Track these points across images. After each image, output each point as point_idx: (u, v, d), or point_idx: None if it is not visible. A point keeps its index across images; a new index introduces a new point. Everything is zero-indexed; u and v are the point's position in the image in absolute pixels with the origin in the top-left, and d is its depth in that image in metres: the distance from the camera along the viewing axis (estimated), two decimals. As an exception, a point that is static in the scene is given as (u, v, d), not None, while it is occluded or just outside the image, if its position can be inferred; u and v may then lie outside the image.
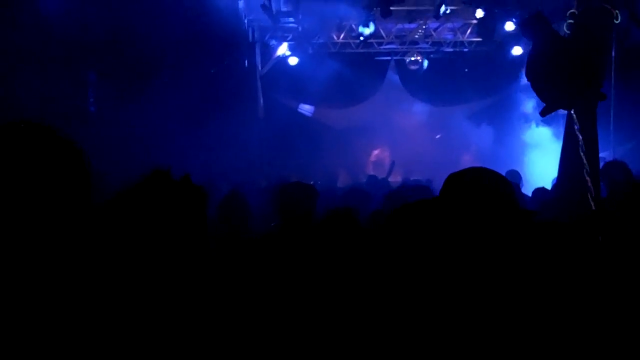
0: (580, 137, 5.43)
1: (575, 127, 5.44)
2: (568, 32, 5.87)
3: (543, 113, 6.02)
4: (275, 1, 10.49)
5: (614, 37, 7.10)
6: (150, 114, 7.48)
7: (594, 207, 5.29)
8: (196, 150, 7.69)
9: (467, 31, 12.23)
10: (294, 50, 12.08)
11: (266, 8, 10.07)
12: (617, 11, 5.90)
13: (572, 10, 5.82)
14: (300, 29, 11.46)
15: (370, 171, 12.19)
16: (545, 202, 5.92)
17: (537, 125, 11.94)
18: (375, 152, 13.65)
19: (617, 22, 5.90)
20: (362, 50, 12.50)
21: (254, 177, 8.53)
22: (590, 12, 5.73)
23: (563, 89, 5.62)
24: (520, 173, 7.97)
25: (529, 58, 6.34)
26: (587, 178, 5.56)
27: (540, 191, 6.65)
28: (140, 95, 7.56)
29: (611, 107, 9.90)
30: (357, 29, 11.54)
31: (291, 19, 11.23)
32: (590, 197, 5.41)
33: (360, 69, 12.90)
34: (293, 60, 12.15)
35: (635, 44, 8.70)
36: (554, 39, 5.89)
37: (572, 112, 5.56)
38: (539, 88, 5.86)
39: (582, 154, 5.72)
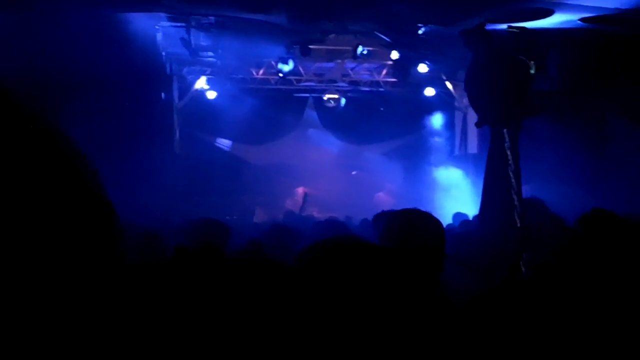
0: (510, 155, 5.63)
1: (506, 144, 5.63)
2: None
3: (478, 124, 6.24)
4: (195, 35, 10.43)
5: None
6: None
7: (519, 224, 5.46)
8: (108, 186, 7.45)
9: (382, 72, 12.62)
10: (212, 85, 12.05)
11: (185, 42, 10.01)
12: (532, 62, 6.28)
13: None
14: (219, 63, 11.45)
15: (288, 207, 12.22)
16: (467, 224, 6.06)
17: (448, 166, 12.39)
18: (299, 190, 13.70)
19: (532, 72, 6.27)
20: (281, 87, 12.62)
21: (168, 214, 8.34)
22: (506, 61, 6.07)
23: (498, 102, 5.84)
24: (432, 212, 8.18)
25: (469, 69, 6.57)
26: (514, 196, 5.77)
27: (460, 216, 6.80)
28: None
29: (518, 146, 10.39)
30: (277, 65, 11.66)
31: (210, 54, 11.20)
32: (516, 214, 5.60)
33: (279, 106, 13.01)
34: (211, 95, 12.11)
35: (538, 92, 9.21)
36: (493, 53, 6.11)
37: (504, 129, 5.76)
38: (476, 99, 6.06)
39: (510, 172, 5.95)
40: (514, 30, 6.17)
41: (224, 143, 13.21)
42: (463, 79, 11.85)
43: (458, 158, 12.73)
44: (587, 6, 7.87)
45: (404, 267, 2.09)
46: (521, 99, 5.90)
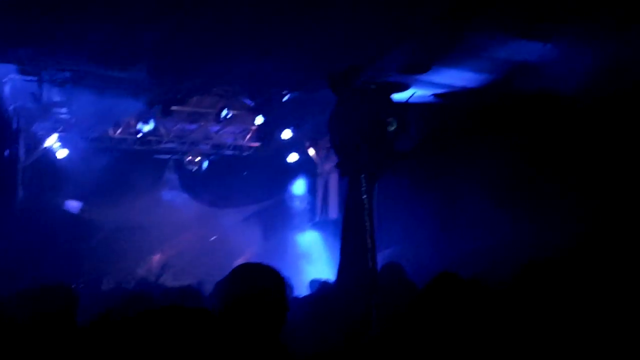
0: (367, 203, 5.67)
1: (363, 193, 5.67)
2: None
3: (342, 172, 6.24)
4: (47, 89, 9.82)
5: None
6: None
7: (371, 285, 5.45)
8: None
9: (246, 136, 12.60)
10: (64, 142, 11.34)
11: (35, 96, 9.38)
12: (391, 119, 6.53)
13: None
14: (73, 120, 10.84)
15: (142, 273, 11.58)
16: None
17: (309, 231, 12.48)
18: (155, 257, 13.06)
19: (391, 129, 6.52)
20: (140, 148, 12.16)
21: (8, 279, 7.53)
22: (367, 113, 6.27)
23: (361, 149, 5.92)
24: (292, 277, 8.12)
25: (332, 113, 6.61)
26: (370, 262, 5.79)
27: (316, 282, 6.77)
28: None
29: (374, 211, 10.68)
30: (136, 125, 11.26)
31: (64, 110, 10.59)
32: (372, 278, 5.59)
33: (137, 167, 12.50)
34: (62, 153, 11.38)
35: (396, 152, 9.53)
36: (356, 101, 6.21)
37: (362, 177, 5.81)
38: (339, 145, 6.08)
39: (367, 236, 5.97)
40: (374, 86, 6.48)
41: (73, 205, 12.37)
42: (326, 146, 12.13)
43: (319, 224, 12.87)
44: (438, 84, 8.42)
45: (232, 330, 1.98)
46: (379, 151, 6.07)
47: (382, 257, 9.98)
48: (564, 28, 6.34)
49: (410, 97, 7.14)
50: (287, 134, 11.24)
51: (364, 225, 6.02)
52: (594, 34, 6.27)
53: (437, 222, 9.49)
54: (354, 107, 6.17)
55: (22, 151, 10.99)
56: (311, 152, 13.00)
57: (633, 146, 7.04)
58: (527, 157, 8.27)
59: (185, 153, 12.76)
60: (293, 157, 12.49)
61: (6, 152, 10.21)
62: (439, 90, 8.74)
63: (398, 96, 8.98)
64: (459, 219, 9.34)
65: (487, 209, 8.59)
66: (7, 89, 9.69)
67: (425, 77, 8.08)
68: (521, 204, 8.30)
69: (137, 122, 11.25)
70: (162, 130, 12.00)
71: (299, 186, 13.47)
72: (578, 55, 6.70)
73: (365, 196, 5.89)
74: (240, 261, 12.47)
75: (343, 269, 6.24)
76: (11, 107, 10.00)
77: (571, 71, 6.84)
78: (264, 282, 2.51)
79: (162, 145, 12.48)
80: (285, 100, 9.97)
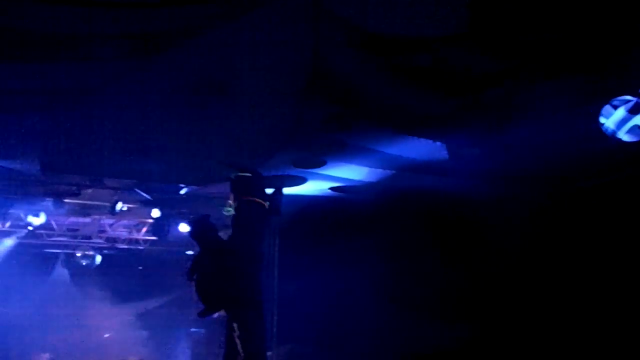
0: (239, 342, 5.60)
1: (235, 334, 5.60)
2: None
3: (201, 314, 6.13)
4: None
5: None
6: None
7: None
8: None
9: (142, 229, 12.31)
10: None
11: None
12: (267, 202, 6.71)
13: (229, 207, 6.38)
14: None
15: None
16: None
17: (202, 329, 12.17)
18: (44, 355, 12.17)
19: (267, 207, 6.69)
20: (28, 241, 11.60)
21: None
22: (245, 204, 6.40)
23: (223, 292, 5.87)
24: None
25: (195, 258, 6.57)
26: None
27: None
28: None
29: (275, 307, 10.59)
30: (26, 217, 10.79)
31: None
32: None
33: (25, 262, 11.86)
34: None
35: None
36: (217, 243, 6.25)
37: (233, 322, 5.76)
38: (201, 289, 6.02)
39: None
40: (245, 175, 6.68)
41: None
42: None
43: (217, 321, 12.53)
44: (335, 177, 8.67)
45: None
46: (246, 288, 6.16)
47: (280, 352, 9.87)
48: (449, 129, 6.75)
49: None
50: (184, 227, 11.06)
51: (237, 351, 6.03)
52: (478, 134, 6.72)
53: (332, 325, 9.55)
54: (216, 247, 6.32)
55: None
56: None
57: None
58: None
59: (78, 247, 12.27)
60: (192, 251, 12.26)
61: None
62: (335, 184, 8.99)
63: (298, 189, 9.17)
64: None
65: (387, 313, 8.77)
66: None
67: (321, 170, 8.31)
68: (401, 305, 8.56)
69: (27, 214, 10.78)
70: (54, 223, 11.52)
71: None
72: (466, 149, 7.12)
73: (238, 339, 5.90)
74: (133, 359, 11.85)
75: None
76: None
77: (461, 164, 7.25)
78: None
79: (53, 239, 11.96)
80: (182, 194, 9.91)
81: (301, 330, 10.05)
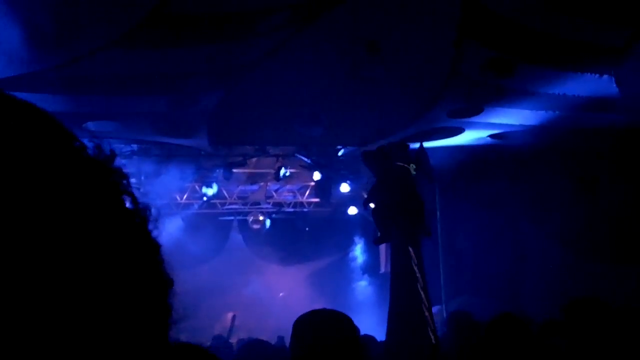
0: (418, 272, 5.70)
1: (413, 263, 5.72)
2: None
3: (377, 242, 6.32)
4: (116, 162, 10.34)
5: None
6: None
7: (433, 340, 5.46)
8: None
9: (305, 192, 12.81)
10: (134, 211, 11.79)
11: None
12: (412, 165, 6.68)
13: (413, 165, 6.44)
14: (142, 190, 11.26)
15: (217, 332, 11.73)
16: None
17: (372, 284, 12.44)
18: (228, 315, 13.22)
19: (414, 174, 6.65)
20: (205, 211, 12.53)
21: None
22: (390, 172, 6.44)
23: (399, 222, 6.00)
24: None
25: (371, 189, 6.76)
26: (427, 313, 5.78)
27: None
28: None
29: (440, 263, 10.62)
30: (201, 189, 11.64)
31: (133, 180, 11.02)
32: (430, 329, 5.59)
33: (204, 229, 12.83)
34: (134, 221, 11.83)
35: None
36: (393, 174, 6.36)
37: (409, 248, 5.88)
38: (378, 218, 6.20)
39: (419, 288, 5.99)
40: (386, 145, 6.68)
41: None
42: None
43: (383, 276, 12.80)
44: (494, 124, 8.43)
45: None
46: (419, 217, 6.18)
47: (450, 307, 9.90)
48: (620, 62, 6.29)
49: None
50: (345, 188, 11.37)
51: (418, 293, 6.06)
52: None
53: (504, 274, 9.34)
54: (386, 178, 6.36)
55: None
56: (371, 204, 13.05)
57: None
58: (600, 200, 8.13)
59: (248, 213, 13.05)
60: (353, 211, 12.56)
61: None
62: (495, 131, 8.75)
63: (455, 140, 9.05)
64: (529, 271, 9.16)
65: (561, 258, 8.41)
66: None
67: (478, 119, 8.13)
68: (600, 256, 8.12)
69: (201, 186, 11.63)
70: (225, 192, 12.34)
71: (361, 239, 13.51)
72: (637, 82, 6.62)
73: (416, 267, 5.95)
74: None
75: (394, 324, 6.23)
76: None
77: (631, 98, 6.76)
78: (337, 329, 2.51)
79: (226, 208, 12.81)
80: (341, 155, 10.17)
81: (470, 282, 10.02)
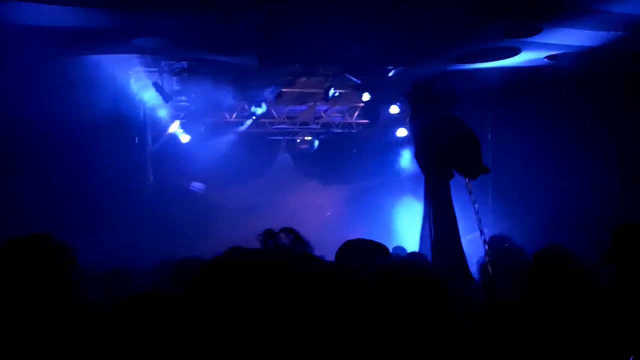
0: (477, 205, 5.74)
1: (471, 196, 5.74)
2: None
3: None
4: (168, 80, 10.48)
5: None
6: (31, 192, 7.17)
7: (490, 271, 5.50)
8: (80, 230, 7.34)
9: (354, 113, 12.75)
10: (185, 128, 12.02)
11: (158, 87, 10.03)
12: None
13: None
14: (192, 107, 11.46)
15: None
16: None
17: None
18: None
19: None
20: (254, 130, 12.65)
21: (139, 256, 8.20)
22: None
23: (456, 157, 5.98)
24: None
25: (416, 139, 6.71)
26: (486, 245, 5.82)
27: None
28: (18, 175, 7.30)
29: (489, 185, 10.56)
30: (250, 108, 11.72)
31: (183, 98, 11.24)
32: (488, 260, 5.65)
33: (252, 149, 13.00)
34: (185, 138, 12.07)
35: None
36: (441, 113, 6.28)
37: (467, 180, 5.87)
38: (432, 165, 6.18)
39: (478, 221, 6.03)
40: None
41: (198, 186, 13.10)
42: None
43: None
44: (552, 44, 8.12)
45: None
46: (476, 160, 6.09)
47: (495, 230, 9.90)
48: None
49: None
50: (394, 109, 11.26)
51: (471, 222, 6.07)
52: None
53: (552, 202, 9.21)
54: (439, 126, 6.21)
55: (149, 138, 11.76)
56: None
57: None
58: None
59: (297, 134, 13.11)
60: (402, 133, 12.47)
61: (136, 139, 11.03)
62: (552, 52, 8.44)
63: (510, 61, 8.78)
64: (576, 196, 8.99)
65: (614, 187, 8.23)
66: (133, 81, 10.43)
67: (536, 39, 7.84)
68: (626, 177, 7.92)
69: (250, 105, 11.69)
70: (274, 112, 12.39)
71: (409, 160, 13.44)
72: None
73: (476, 204, 5.92)
74: (354, 235, 12.72)
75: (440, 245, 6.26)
76: (137, 98, 10.75)
77: None
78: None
79: (275, 127, 12.89)
80: (391, 76, 10.01)
81: (517, 207, 9.96)
